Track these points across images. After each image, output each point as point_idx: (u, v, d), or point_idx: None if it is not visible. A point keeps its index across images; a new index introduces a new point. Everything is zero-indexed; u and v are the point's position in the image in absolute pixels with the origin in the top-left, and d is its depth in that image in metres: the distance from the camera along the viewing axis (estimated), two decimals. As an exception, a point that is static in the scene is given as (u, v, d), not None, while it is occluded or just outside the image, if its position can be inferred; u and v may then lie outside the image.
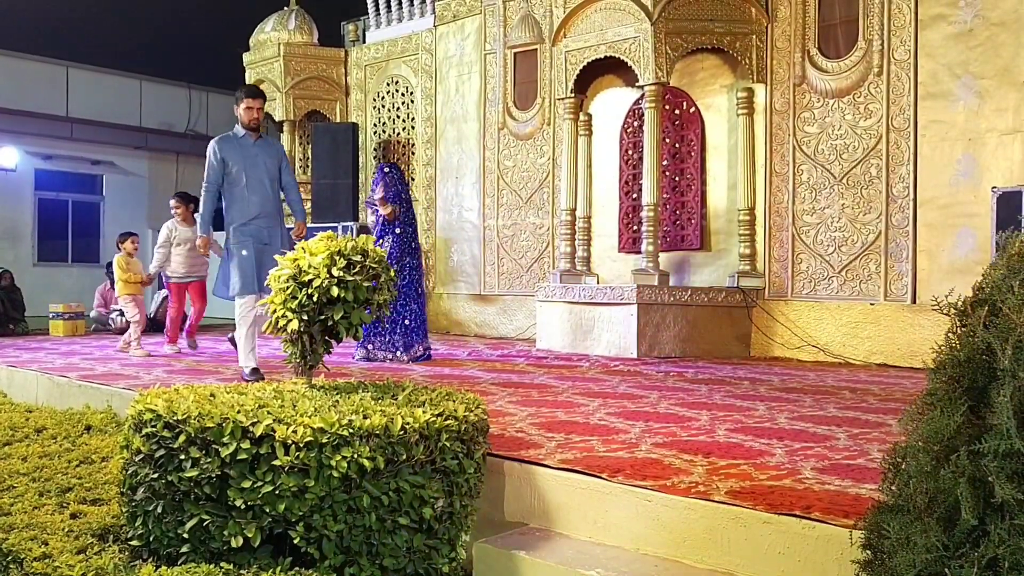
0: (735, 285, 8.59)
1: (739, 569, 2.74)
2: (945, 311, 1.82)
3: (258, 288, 6.05)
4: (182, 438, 2.83)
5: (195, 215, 7.89)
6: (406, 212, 7.67)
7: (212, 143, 6.29)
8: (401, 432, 2.84)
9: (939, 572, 1.61)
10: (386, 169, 7.78)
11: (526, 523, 3.34)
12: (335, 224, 11.48)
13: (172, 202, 8.85)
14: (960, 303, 1.78)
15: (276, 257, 3.45)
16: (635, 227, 9.46)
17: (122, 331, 11.01)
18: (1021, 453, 1.56)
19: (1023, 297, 1.65)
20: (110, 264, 12.30)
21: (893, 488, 1.83)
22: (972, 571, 1.56)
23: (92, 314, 11.92)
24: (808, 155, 8.30)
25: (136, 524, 2.99)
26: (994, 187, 6.83)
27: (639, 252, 8.84)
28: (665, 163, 9.09)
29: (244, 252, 6.12)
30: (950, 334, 1.79)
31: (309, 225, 11.99)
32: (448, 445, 2.97)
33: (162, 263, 8.72)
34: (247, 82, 13.61)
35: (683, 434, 4.05)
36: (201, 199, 6.34)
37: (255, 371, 6.10)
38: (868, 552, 1.86)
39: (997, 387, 1.64)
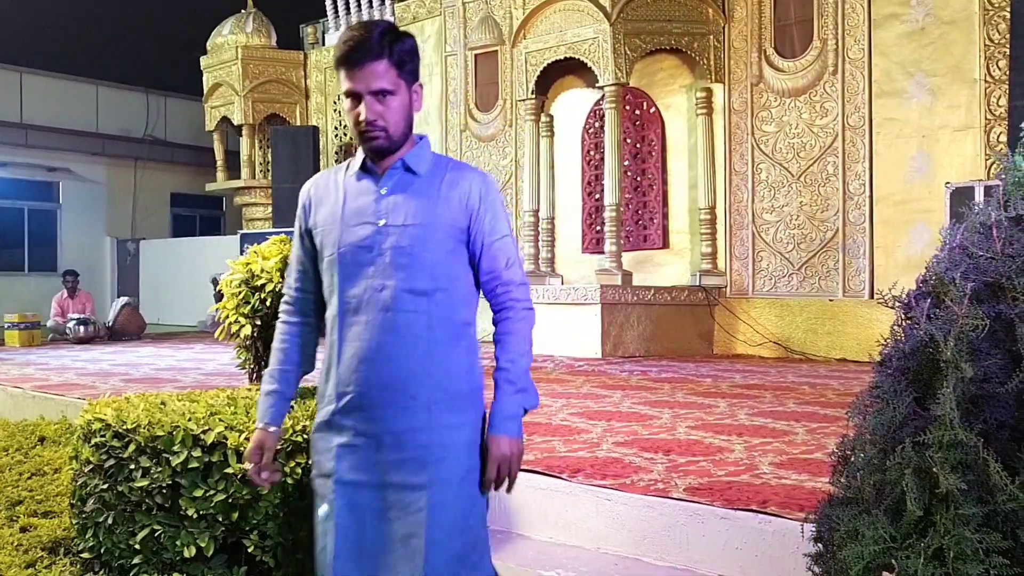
0: (697, 284, 8.65)
1: (698, 565, 2.75)
2: (890, 304, 1.83)
3: None
4: (132, 447, 2.78)
5: None
6: None
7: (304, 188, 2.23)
8: (357, 436, 2.81)
9: (887, 563, 1.62)
10: None
11: (487, 525, 3.31)
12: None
13: None
14: (904, 296, 1.79)
15: (229, 262, 3.32)
16: (598, 227, 9.48)
17: (80, 341, 10.82)
18: (964, 444, 1.57)
19: (965, 289, 1.66)
20: (67, 273, 12.11)
21: (843, 481, 1.84)
22: (919, 562, 1.57)
23: (49, 324, 11.69)
24: (766, 154, 8.38)
25: (87, 536, 2.93)
26: (947, 183, 6.94)
27: (602, 252, 8.86)
28: (627, 163, 9.13)
29: (322, 508, 2.02)
30: (895, 327, 1.80)
31: (269, 230, 11.88)
32: (406, 449, 2.94)
33: None
34: (205, 86, 13.43)
35: (644, 432, 4.06)
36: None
37: None
38: (819, 545, 1.86)
39: (941, 379, 1.65)
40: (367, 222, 1.96)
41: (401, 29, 1.93)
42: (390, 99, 1.88)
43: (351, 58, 1.87)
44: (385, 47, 1.86)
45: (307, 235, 2.09)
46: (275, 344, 2.10)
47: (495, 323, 2.02)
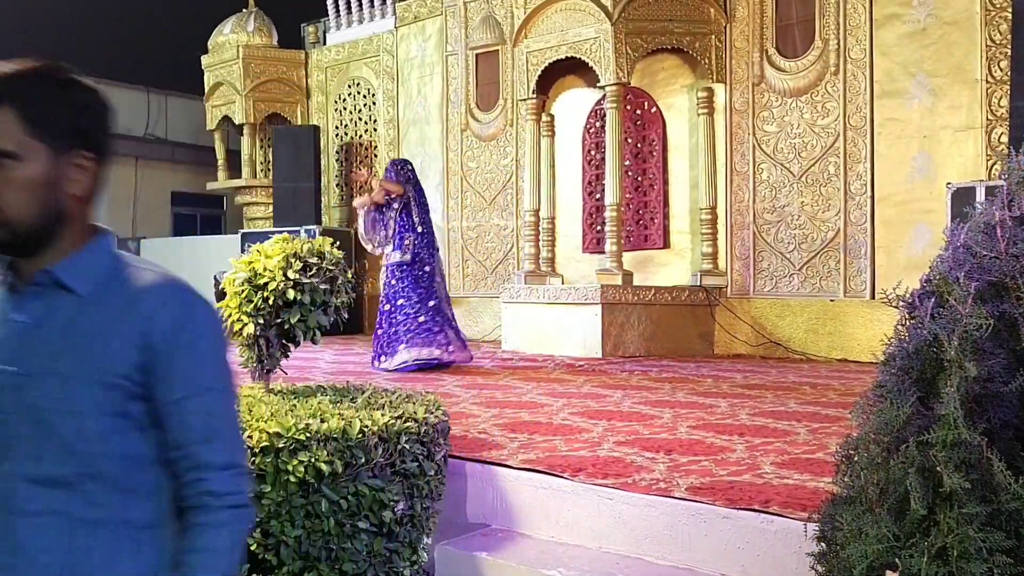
0: (698, 284, 8.65)
1: (700, 565, 2.75)
2: (894, 304, 1.83)
3: None
4: (135, 446, 2.78)
5: None
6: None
7: None
8: (359, 435, 2.81)
9: (890, 562, 1.63)
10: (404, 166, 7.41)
11: (488, 524, 3.32)
12: (297, 228, 11.37)
13: None
14: (908, 296, 1.80)
15: (232, 260, 3.34)
16: (599, 227, 9.48)
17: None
18: (968, 443, 1.57)
19: (969, 288, 1.67)
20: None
21: (846, 480, 1.84)
22: (922, 560, 1.57)
23: (49, 322, 11.68)
24: (768, 154, 8.38)
25: (89, 534, 2.92)
26: (949, 183, 6.94)
27: (603, 252, 8.86)
28: (627, 163, 9.13)
29: None
30: (899, 326, 1.80)
31: (269, 229, 11.90)
32: (408, 447, 2.94)
33: None
34: (206, 86, 13.44)
35: (645, 432, 4.06)
36: None
37: None
38: (822, 544, 1.87)
39: (944, 378, 1.66)
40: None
41: (77, 79, 1.28)
42: (11, 166, 1.21)
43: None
44: (8, 91, 1.22)
45: None
46: None
47: (183, 529, 1.27)
